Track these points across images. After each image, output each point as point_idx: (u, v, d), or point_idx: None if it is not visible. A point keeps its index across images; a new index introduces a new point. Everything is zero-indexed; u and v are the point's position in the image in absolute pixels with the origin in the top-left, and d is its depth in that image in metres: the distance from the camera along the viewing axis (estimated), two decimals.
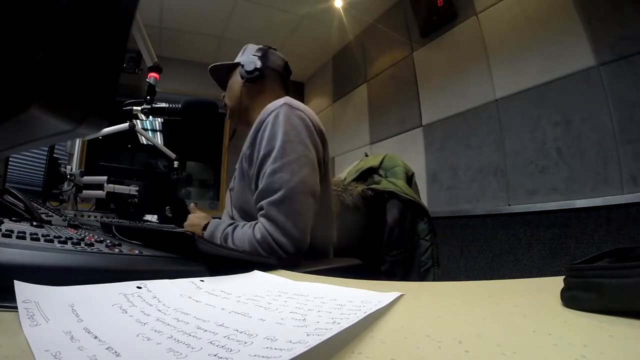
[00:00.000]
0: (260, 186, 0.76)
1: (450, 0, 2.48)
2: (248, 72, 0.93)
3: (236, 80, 0.97)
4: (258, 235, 0.72)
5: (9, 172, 0.97)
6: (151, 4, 3.01)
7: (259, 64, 0.94)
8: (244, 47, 1.02)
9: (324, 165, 0.86)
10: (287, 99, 0.83)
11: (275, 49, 1.03)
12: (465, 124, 2.35)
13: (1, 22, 0.11)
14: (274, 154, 0.76)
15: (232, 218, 0.91)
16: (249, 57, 0.96)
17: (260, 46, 1.00)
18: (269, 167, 0.76)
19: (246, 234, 0.75)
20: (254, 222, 0.77)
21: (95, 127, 0.14)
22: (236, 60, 0.99)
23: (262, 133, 0.80)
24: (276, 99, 0.86)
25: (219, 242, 0.78)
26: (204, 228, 0.86)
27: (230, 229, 0.80)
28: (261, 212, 0.75)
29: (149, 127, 4.38)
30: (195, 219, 0.90)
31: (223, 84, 1.03)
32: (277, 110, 0.80)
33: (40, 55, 0.11)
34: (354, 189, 1.13)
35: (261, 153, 0.78)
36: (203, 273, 0.41)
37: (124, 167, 1.67)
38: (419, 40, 2.77)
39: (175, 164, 1.74)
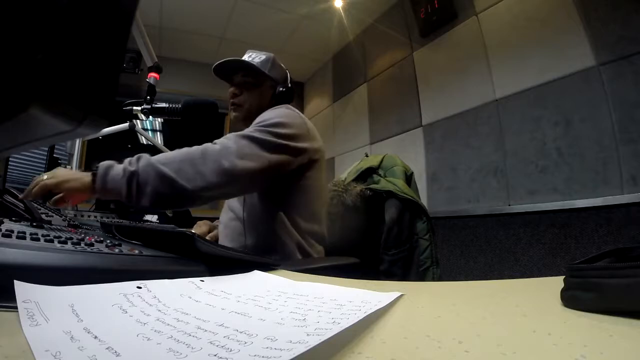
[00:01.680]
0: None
1: (450, 0, 2.48)
2: (283, 93, 1.03)
3: (266, 94, 1.03)
4: (207, 145, 0.76)
5: (9, 172, 0.97)
6: (151, 4, 3.01)
7: (291, 90, 1.04)
8: (270, 58, 1.03)
9: (312, 158, 0.92)
10: (287, 105, 0.99)
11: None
12: (465, 124, 2.35)
13: (1, 23, 0.11)
14: (264, 123, 0.85)
15: (239, 218, 0.93)
16: (283, 79, 1.04)
17: (283, 66, 1.06)
18: (254, 125, 0.85)
19: (190, 148, 0.75)
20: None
21: (95, 127, 0.14)
22: (265, 70, 1.00)
23: (258, 118, 0.90)
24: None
25: (128, 169, 0.70)
26: (94, 177, 0.71)
27: (145, 155, 0.74)
28: (218, 141, 0.79)
29: (149, 127, 4.38)
30: (67, 173, 0.74)
31: (230, 77, 1.03)
32: (277, 106, 0.95)
33: (40, 55, 0.11)
34: (353, 189, 1.13)
35: (254, 123, 0.87)
36: (203, 273, 0.41)
37: None
38: (419, 40, 2.77)
39: None
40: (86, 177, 0.72)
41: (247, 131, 0.84)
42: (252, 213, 0.92)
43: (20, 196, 0.68)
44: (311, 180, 0.93)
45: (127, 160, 0.72)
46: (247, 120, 1.01)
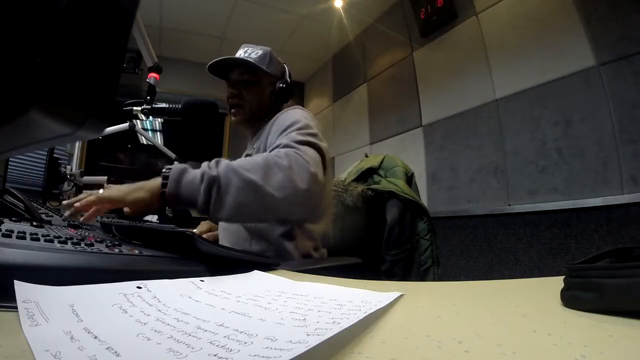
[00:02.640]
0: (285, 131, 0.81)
1: (450, 0, 2.48)
2: (283, 92, 0.98)
3: (266, 91, 0.99)
4: (280, 152, 0.69)
5: (9, 172, 0.97)
6: (151, 4, 3.01)
7: (290, 87, 1.00)
8: (267, 52, 0.98)
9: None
10: (298, 105, 0.98)
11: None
12: (465, 124, 2.35)
13: (1, 26, 0.11)
14: (298, 125, 0.82)
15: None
16: (282, 75, 1.01)
17: (281, 60, 1.03)
18: (294, 131, 0.80)
19: (258, 156, 0.68)
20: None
21: (95, 130, 0.14)
22: (262, 66, 0.96)
23: (277, 121, 0.88)
24: (282, 107, 1.00)
25: (209, 173, 0.63)
26: (164, 182, 0.64)
27: (224, 160, 0.68)
28: (285, 144, 0.73)
29: (149, 127, 4.38)
30: (119, 189, 0.66)
31: (227, 74, 1.00)
32: (291, 107, 0.94)
33: (40, 58, 0.11)
34: (354, 189, 1.13)
35: (282, 127, 0.83)
36: (203, 273, 0.41)
37: (124, 167, 1.67)
38: (419, 40, 2.77)
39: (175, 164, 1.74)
40: (154, 183, 0.64)
41: (298, 138, 0.76)
42: None
43: (73, 219, 0.59)
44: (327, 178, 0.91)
45: (205, 164, 0.65)
46: (250, 122, 0.99)
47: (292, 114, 0.89)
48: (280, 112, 0.93)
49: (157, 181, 0.64)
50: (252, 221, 0.76)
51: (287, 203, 0.65)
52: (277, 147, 0.75)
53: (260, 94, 0.98)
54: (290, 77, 1.03)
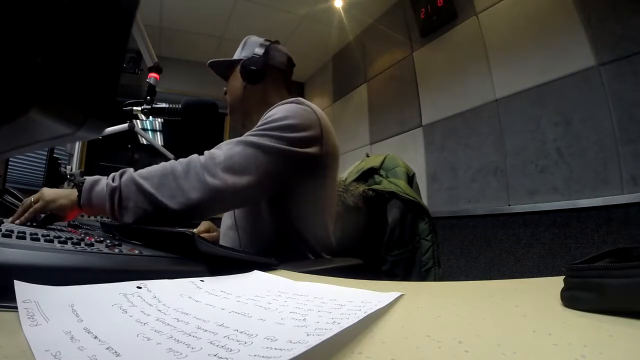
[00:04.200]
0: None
1: (450, 0, 2.48)
2: (249, 73, 0.90)
3: (237, 78, 0.94)
4: (185, 161, 0.68)
5: (9, 172, 0.97)
6: (151, 4, 3.01)
7: (260, 64, 0.90)
8: (244, 40, 0.96)
9: (323, 163, 0.83)
10: (298, 99, 0.83)
11: (278, 43, 0.98)
12: (465, 124, 2.35)
13: (1, 25, 0.11)
14: (269, 119, 0.75)
15: (232, 227, 0.89)
16: (250, 55, 0.92)
17: (262, 41, 0.94)
18: (257, 126, 0.75)
19: (164, 163, 0.69)
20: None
21: (95, 130, 0.14)
22: (236, 56, 0.96)
23: (264, 118, 0.79)
24: (280, 99, 0.87)
25: (110, 185, 0.66)
26: (79, 193, 0.68)
27: (130, 169, 0.70)
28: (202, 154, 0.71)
29: (149, 127, 4.38)
30: (52, 192, 0.69)
31: (226, 77, 1.01)
32: (285, 103, 0.82)
33: (40, 58, 0.11)
34: (355, 189, 1.13)
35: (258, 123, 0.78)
36: (203, 273, 0.41)
37: (124, 167, 1.67)
38: (419, 40, 2.77)
39: None
40: (73, 194, 0.69)
41: (246, 135, 0.74)
42: (248, 221, 0.84)
43: (16, 222, 0.65)
44: (324, 187, 0.85)
45: (111, 175, 0.69)
46: (235, 114, 0.98)
47: (277, 109, 0.79)
48: (271, 107, 0.83)
49: (75, 193, 0.69)
50: (161, 225, 0.73)
51: (182, 211, 0.65)
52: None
53: (234, 83, 0.96)
54: (264, 51, 0.91)
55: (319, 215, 0.87)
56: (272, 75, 0.94)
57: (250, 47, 0.94)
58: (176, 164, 0.68)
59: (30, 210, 0.66)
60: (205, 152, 0.71)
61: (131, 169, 0.70)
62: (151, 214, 0.65)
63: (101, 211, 0.68)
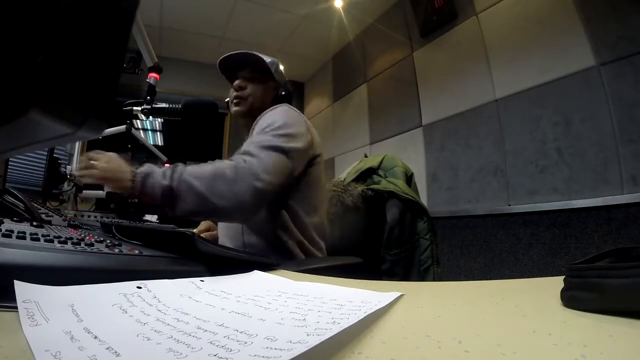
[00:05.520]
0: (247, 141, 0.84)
1: (450, 0, 2.48)
2: (284, 97, 1.03)
3: (269, 93, 1.04)
4: (234, 163, 0.76)
5: (9, 172, 0.97)
6: (151, 4, 3.01)
7: (289, 93, 1.05)
8: (274, 62, 1.04)
9: (313, 162, 0.94)
10: (286, 104, 0.99)
11: None
12: (465, 124, 2.35)
13: (1, 26, 0.11)
14: (272, 126, 0.85)
15: None
16: (283, 84, 1.05)
17: (284, 72, 1.07)
18: (266, 132, 0.84)
19: (219, 162, 0.77)
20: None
21: (95, 130, 0.14)
22: (272, 70, 1.02)
23: (260, 120, 0.91)
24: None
25: (162, 183, 0.73)
26: (133, 178, 0.74)
27: (180, 166, 0.77)
28: (244, 151, 0.81)
29: (149, 128, 4.38)
30: (115, 166, 0.76)
31: (235, 72, 1.03)
32: (276, 106, 0.95)
33: (40, 58, 0.11)
34: (354, 189, 1.13)
35: (261, 127, 0.87)
36: (203, 273, 0.41)
37: None
38: (419, 40, 2.77)
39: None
40: (126, 180, 0.74)
41: (265, 140, 0.83)
42: None
43: (76, 173, 0.73)
44: (314, 175, 0.94)
45: (161, 170, 0.74)
46: (248, 116, 1.01)
47: (275, 114, 0.91)
48: (264, 112, 0.94)
49: (128, 180, 0.74)
50: (212, 220, 0.86)
51: (229, 210, 0.75)
52: (241, 152, 0.81)
53: (264, 93, 1.02)
54: (291, 88, 1.08)
55: (314, 200, 0.96)
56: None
57: (281, 76, 1.06)
58: (225, 168, 0.76)
59: (85, 173, 0.74)
60: (246, 158, 0.79)
61: (182, 166, 0.75)
62: (201, 211, 0.74)
63: (150, 202, 0.75)
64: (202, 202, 0.73)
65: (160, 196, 0.72)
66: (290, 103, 1.05)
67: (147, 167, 0.75)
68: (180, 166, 0.75)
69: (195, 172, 0.74)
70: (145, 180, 0.73)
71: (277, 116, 0.90)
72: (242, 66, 1.02)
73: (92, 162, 0.75)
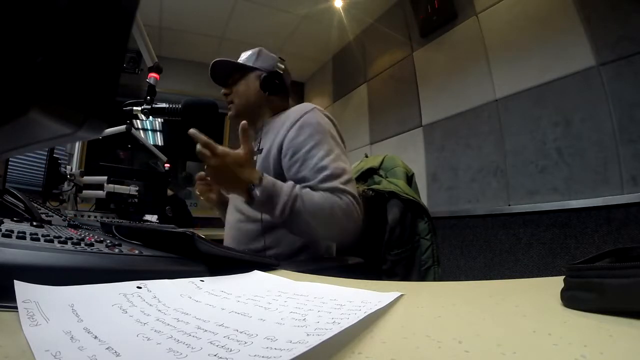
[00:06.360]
0: (325, 172, 0.84)
1: (450, 0, 2.48)
2: (272, 85, 1.00)
3: (251, 84, 1.02)
4: (343, 204, 0.81)
5: (9, 172, 0.97)
6: (151, 4, 3.01)
7: (282, 79, 1.01)
8: (256, 50, 1.04)
9: None
10: (314, 105, 0.96)
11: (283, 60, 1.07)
12: (465, 124, 2.35)
13: (1, 26, 0.11)
14: (322, 147, 0.86)
15: (255, 220, 0.92)
16: (270, 68, 1.01)
17: (277, 58, 1.04)
18: (323, 157, 0.85)
19: (329, 199, 0.81)
20: (328, 193, 0.82)
21: (95, 130, 0.14)
22: (249, 64, 1.02)
23: (299, 130, 0.88)
24: (284, 105, 1.04)
25: (282, 201, 0.76)
26: (253, 185, 0.76)
27: (300, 190, 0.80)
28: (337, 188, 0.83)
29: (149, 127, 4.38)
30: (245, 163, 0.77)
31: (225, 80, 1.05)
32: (310, 111, 0.92)
33: (40, 58, 0.11)
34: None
35: (307, 146, 0.86)
36: (203, 273, 0.41)
37: (124, 167, 1.67)
38: (419, 40, 2.77)
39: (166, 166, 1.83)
40: (245, 192, 0.77)
41: (345, 172, 0.86)
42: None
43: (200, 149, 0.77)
44: None
45: (282, 201, 0.76)
46: (241, 117, 1.00)
47: (314, 128, 0.88)
48: (299, 115, 0.91)
49: (246, 191, 0.77)
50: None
51: (329, 238, 0.93)
52: (331, 189, 0.82)
53: (247, 88, 1.02)
54: (283, 68, 1.04)
55: None
56: (286, 91, 1.06)
57: (267, 60, 1.03)
58: (337, 208, 0.80)
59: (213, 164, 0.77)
60: (345, 198, 0.82)
61: (300, 200, 0.77)
62: (306, 231, 0.81)
63: (267, 212, 0.81)
64: (310, 234, 0.83)
65: (276, 216, 0.77)
66: (282, 85, 1.02)
67: (271, 185, 0.77)
68: (299, 200, 0.77)
69: (313, 208, 0.78)
70: (267, 204, 0.77)
71: (318, 134, 0.88)
72: (228, 74, 1.05)
73: (222, 149, 0.78)
